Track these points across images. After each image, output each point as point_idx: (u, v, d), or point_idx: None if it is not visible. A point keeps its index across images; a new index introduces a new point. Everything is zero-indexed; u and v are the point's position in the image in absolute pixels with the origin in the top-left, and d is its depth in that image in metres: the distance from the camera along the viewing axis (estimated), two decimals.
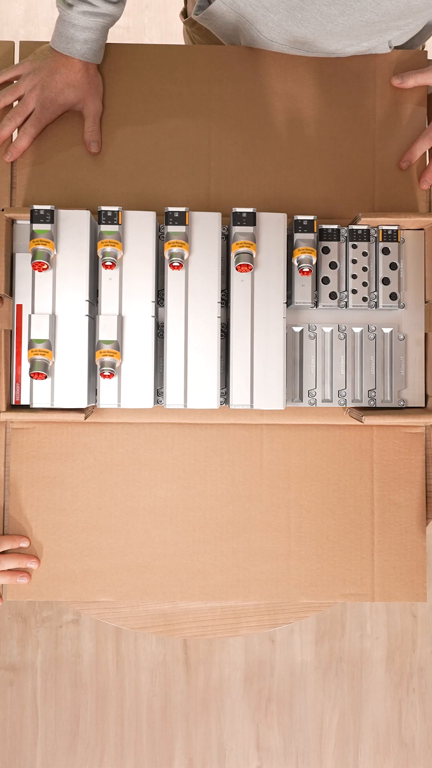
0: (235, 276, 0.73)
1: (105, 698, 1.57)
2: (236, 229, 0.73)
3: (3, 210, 0.76)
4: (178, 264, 0.72)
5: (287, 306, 0.76)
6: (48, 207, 0.71)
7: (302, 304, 0.76)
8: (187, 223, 0.72)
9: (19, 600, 0.96)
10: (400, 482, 0.81)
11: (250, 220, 0.73)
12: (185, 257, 0.73)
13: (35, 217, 0.71)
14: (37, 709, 1.57)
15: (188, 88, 0.83)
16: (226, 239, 0.77)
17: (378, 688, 1.60)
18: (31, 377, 0.71)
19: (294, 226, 0.75)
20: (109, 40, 0.82)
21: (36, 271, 0.72)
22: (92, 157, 0.82)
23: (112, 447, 0.80)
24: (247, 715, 1.58)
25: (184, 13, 1.01)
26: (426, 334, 0.80)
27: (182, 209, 0.72)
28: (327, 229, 0.77)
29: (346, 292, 0.77)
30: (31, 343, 0.71)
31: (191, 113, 0.83)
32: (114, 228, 0.72)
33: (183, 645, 1.58)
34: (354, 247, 0.77)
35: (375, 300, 0.77)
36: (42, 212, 0.71)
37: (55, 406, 0.72)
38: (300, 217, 0.75)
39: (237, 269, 0.72)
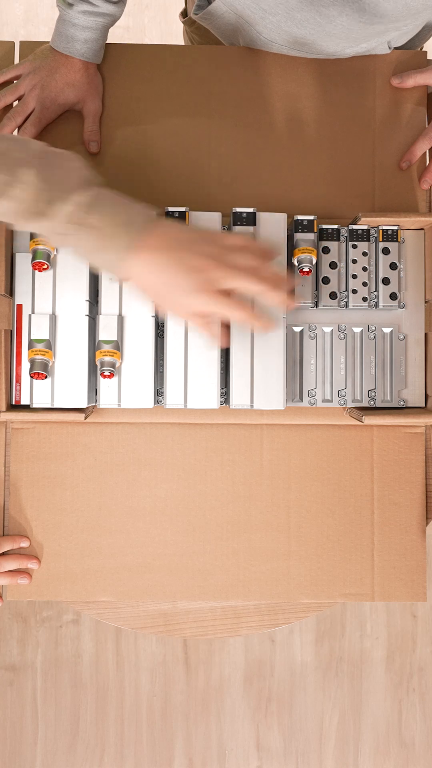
0: None
1: (105, 698, 1.57)
2: (236, 229, 0.73)
3: None
4: None
5: None
6: None
7: (302, 304, 0.76)
8: (187, 223, 0.72)
9: (19, 600, 0.96)
10: (400, 482, 0.81)
11: (250, 220, 0.73)
12: None
13: None
14: (37, 709, 1.57)
15: (188, 88, 0.83)
16: None
17: (378, 688, 1.60)
18: (31, 377, 0.71)
19: (294, 226, 0.75)
20: (109, 40, 0.82)
21: (36, 271, 0.72)
22: (92, 157, 0.82)
23: (112, 447, 0.80)
24: (247, 715, 1.58)
25: (184, 13, 1.01)
26: (426, 334, 0.80)
27: (182, 209, 0.72)
28: (327, 229, 0.77)
29: (346, 292, 0.77)
30: (31, 343, 0.71)
31: (191, 113, 0.83)
32: None
33: (183, 645, 1.58)
34: (354, 247, 0.77)
35: (375, 300, 0.77)
36: None
37: (55, 406, 0.72)
38: (300, 217, 0.75)
39: None
